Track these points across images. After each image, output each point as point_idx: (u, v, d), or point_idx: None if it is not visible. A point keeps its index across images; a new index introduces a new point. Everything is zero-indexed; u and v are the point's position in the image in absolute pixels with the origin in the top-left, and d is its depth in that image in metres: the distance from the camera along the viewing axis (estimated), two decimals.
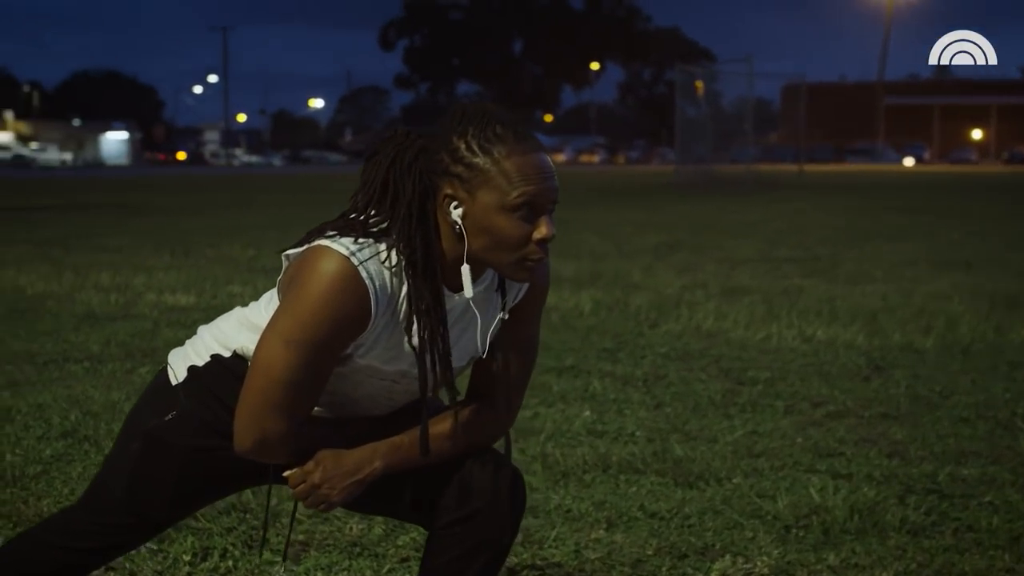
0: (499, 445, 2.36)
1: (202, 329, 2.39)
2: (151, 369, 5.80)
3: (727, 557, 3.42)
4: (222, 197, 28.31)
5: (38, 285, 9.58)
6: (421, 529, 2.64)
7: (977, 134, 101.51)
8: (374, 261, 2.11)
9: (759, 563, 3.38)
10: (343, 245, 2.10)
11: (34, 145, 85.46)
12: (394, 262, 2.12)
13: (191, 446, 2.29)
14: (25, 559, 2.42)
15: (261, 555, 3.34)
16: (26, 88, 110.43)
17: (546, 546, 3.49)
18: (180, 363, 2.34)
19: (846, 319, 7.91)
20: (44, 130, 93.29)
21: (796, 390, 5.68)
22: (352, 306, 2.08)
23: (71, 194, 29.30)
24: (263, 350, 2.13)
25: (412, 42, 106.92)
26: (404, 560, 3.38)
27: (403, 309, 2.16)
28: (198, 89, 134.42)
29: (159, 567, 3.32)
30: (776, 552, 3.46)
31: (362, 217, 2.15)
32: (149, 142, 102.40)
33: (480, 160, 2.08)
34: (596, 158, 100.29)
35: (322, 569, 3.32)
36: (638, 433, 4.82)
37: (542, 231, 2.10)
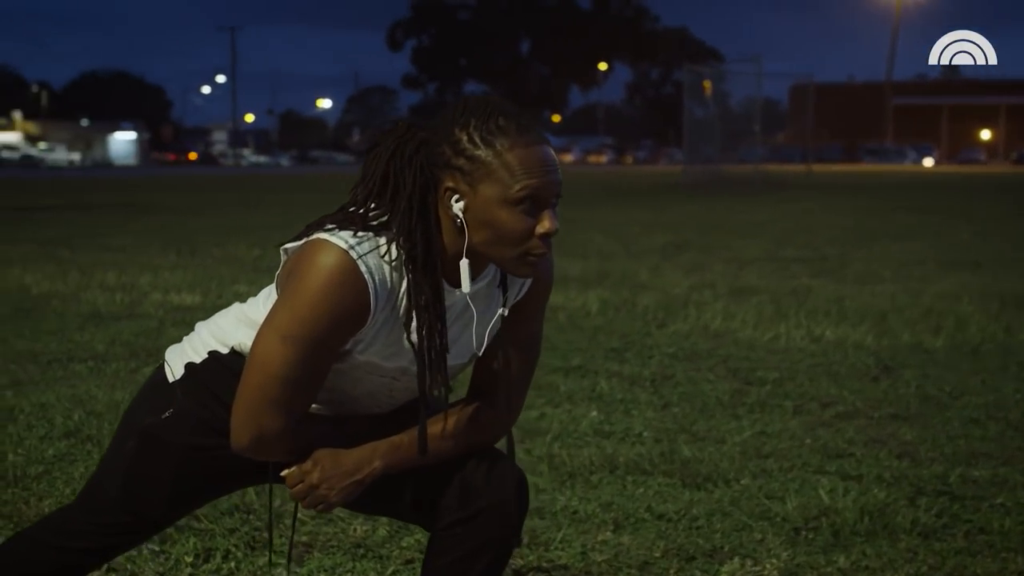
0: (501, 444, 2.31)
1: (199, 326, 2.35)
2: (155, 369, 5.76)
3: (735, 559, 3.38)
4: (229, 197, 28.32)
5: (43, 284, 9.56)
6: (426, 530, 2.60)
7: (986, 134, 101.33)
8: (374, 255, 2.06)
9: (768, 565, 3.34)
10: (342, 238, 2.05)
11: (42, 145, 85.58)
12: (394, 256, 2.08)
13: (188, 444, 2.25)
14: (21, 559, 2.38)
15: (271, 560, 3.30)
16: (34, 88, 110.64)
17: (552, 548, 3.46)
18: (177, 360, 2.30)
19: (855, 319, 7.87)
20: (52, 130, 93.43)
21: (805, 390, 5.64)
22: (351, 301, 2.04)
23: (78, 194, 29.32)
24: (260, 346, 2.09)
25: (420, 42, 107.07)
26: (408, 562, 3.34)
27: (403, 304, 2.11)
28: (206, 89, 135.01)
29: (161, 568, 3.29)
30: (785, 554, 3.42)
31: (361, 210, 2.10)
32: (157, 142, 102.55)
33: (482, 152, 2.04)
34: (604, 158, 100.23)
35: (325, 571, 3.29)
36: (645, 434, 4.79)
37: (545, 225, 2.06)
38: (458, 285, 2.13)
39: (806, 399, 5.45)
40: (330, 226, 2.08)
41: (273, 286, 2.21)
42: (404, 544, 3.45)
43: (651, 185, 37.42)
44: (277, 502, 3.65)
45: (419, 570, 3.09)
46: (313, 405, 2.22)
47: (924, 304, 8.65)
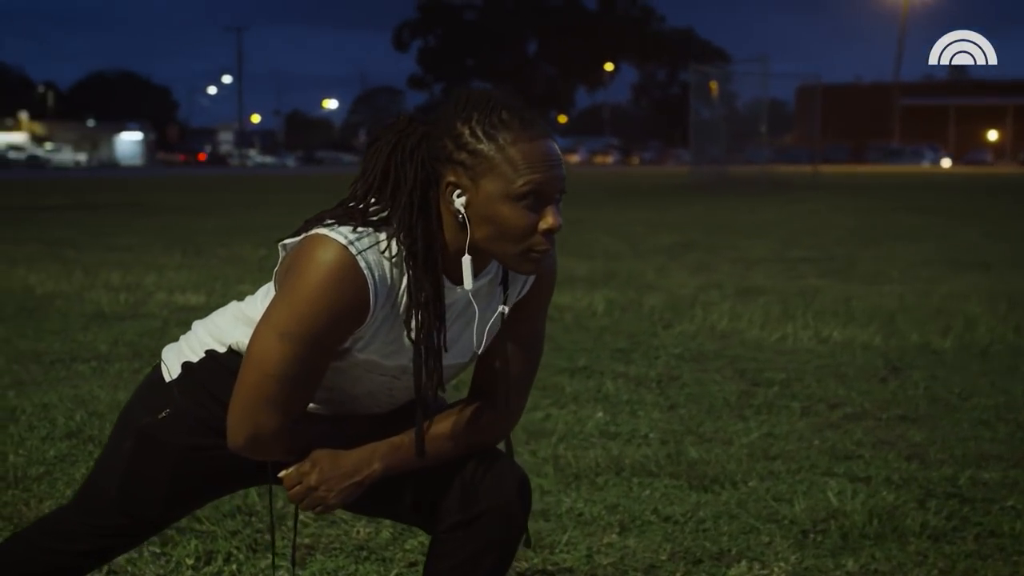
0: (500, 445, 2.27)
1: (196, 324, 2.31)
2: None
3: (743, 563, 3.34)
4: (234, 197, 28.32)
5: (47, 284, 9.54)
6: None
7: (993, 135, 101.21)
8: (373, 251, 2.02)
9: (776, 569, 3.30)
10: (341, 234, 2.01)
11: (48, 146, 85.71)
12: (394, 252, 2.04)
13: (186, 445, 2.21)
14: (17, 560, 2.35)
15: (273, 562, 3.26)
16: (41, 88, 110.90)
17: (557, 550, 3.42)
18: (174, 359, 2.27)
19: (863, 320, 7.82)
20: (58, 130, 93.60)
21: (812, 391, 5.60)
22: (350, 297, 2.00)
23: (83, 194, 29.36)
24: (257, 343, 2.05)
25: (426, 43, 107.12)
26: (412, 564, 3.30)
27: (403, 302, 2.07)
28: (212, 90, 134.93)
29: (161, 571, 3.26)
30: (793, 558, 3.38)
31: (361, 206, 2.06)
32: (163, 143, 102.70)
33: (485, 147, 1.99)
34: (610, 159, 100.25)
35: (328, 573, 3.25)
36: (652, 435, 4.75)
37: (548, 221, 2.02)
38: (459, 282, 2.09)
39: (814, 400, 5.41)
40: (329, 221, 2.04)
41: (271, 283, 2.17)
42: (407, 547, 3.41)
43: (657, 186, 37.39)
44: (279, 504, 3.62)
45: (422, 573, 3.07)
46: (312, 405, 2.18)
47: (933, 305, 8.61)
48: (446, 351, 2.11)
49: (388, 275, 2.04)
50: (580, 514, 3.74)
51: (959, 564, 3.35)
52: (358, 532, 3.51)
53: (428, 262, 2.04)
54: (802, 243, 14.52)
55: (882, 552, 3.43)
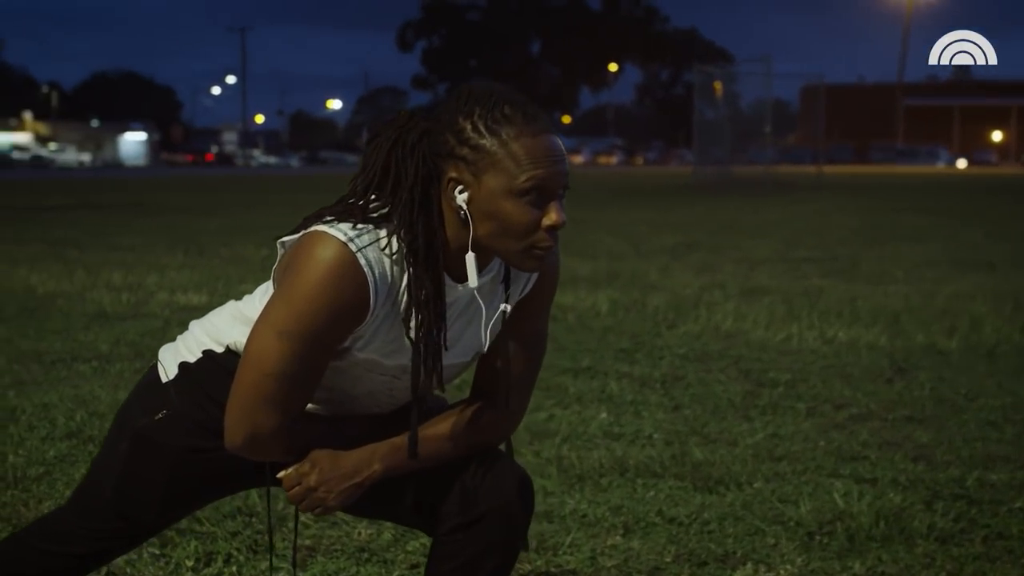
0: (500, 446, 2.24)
1: (194, 324, 2.27)
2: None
3: (748, 565, 3.31)
4: (238, 197, 28.30)
5: (49, 284, 9.52)
6: None
7: (997, 136, 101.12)
8: (373, 248, 1.99)
9: (782, 571, 3.27)
10: (341, 231, 1.98)
11: (52, 146, 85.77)
12: (395, 249, 2.00)
13: (183, 447, 2.18)
14: (11, 562, 2.31)
15: (271, 564, 3.23)
16: (45, 89, 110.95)
17: (561, 552, 3.39)
18: (171, 359, 2.23)
19: (868, 320, 7.79)
20: (62, 131, 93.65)
21: (818, 392, 5.56)
22: (350, 295, 1.97)
23: (87, 194, 29.34)
24: (255, 341, 2.01)
25: (430, 43, 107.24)
26: (414, 566, 3.27)
27: (404, 300, 2.04)
28: (216, 90, 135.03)
29: (161, 572, 3.23)
30: (799, 560, 3.34)
31: (361, 202, 2.03)
32: (167, 143, 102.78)
33: (487, 142, 1.96)
34: (614, 159, 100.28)
35: (329, 575, 3.22)
36: (656, 436, 4.71)
37: (552, 217, 1.98)
38: (460, 280, 2.06)
39: (819, 401, 5.38)
40: (329, 218, 2.01)
41: (270, 282, 2.14)
42: (409, 548, 3.38)
43: (661, 186, 37.36)
44: (280, 505, 3.59)
45: (423, 575, 3.04)
46: (311, 405, 2.14)
47: (938, 305, 8.57)
48: (446, 350, 2.08)
49: (389, 273, 2.01)
50: (584, 515, 3.71)
51: (967, 567, 3.31)
52: (359, 534, 3.48)
53: (429, 259, 2.00)
54: (806, 243, 14.48)
55: (889, 554, 3.39)
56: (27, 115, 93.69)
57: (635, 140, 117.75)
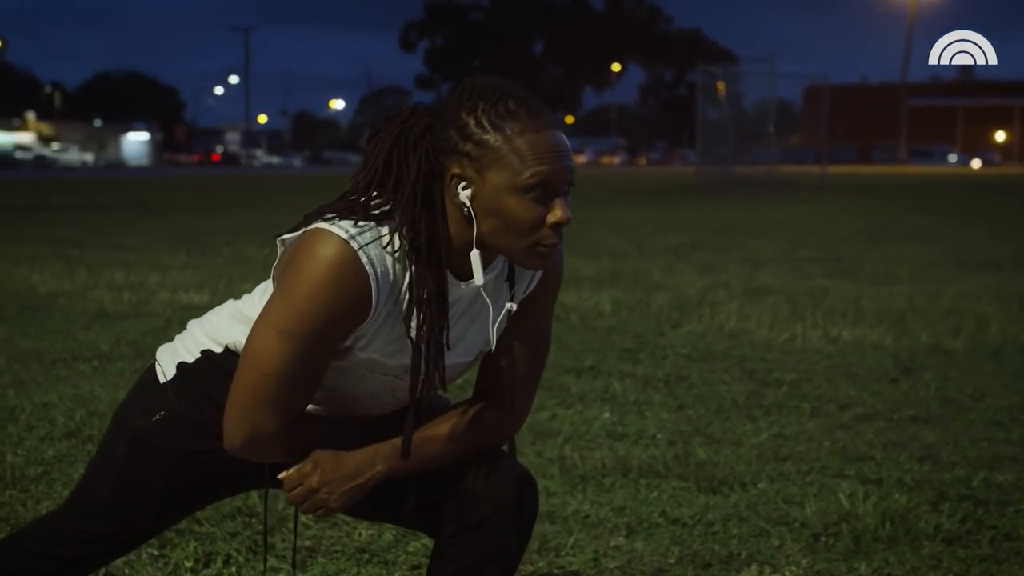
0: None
1: (192, 324, 2.24)
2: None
3: (753, 566, 3.28)
4: (240, 197, 28.29)
5: (51, 283, 9.50)
6: None
7: (1000, 136, 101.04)
8: (375, 246, 1.95)
9: (787, 573, 3.24)
10: (342, 228, 1.94)
11: (55, 146, 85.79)
12: (397, 247, 1.97)
13: (181, 448, 2.15)
14: (7, 563, 2.28)
15: (265, 565, 3.20)
16: (48, 88, 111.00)
17: (563, 553, 3.36)
18: (169, 360, 2.20)
19: (872, 320, 7.75)
20: (66, 131, 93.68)
21: (822, 392, 5.53)
22: (351, 293, 1.93)
23: (89, 193, 29.33)
24: (255, 341, 1.98)
25: (433, 43, 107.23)
26: (415, 567, 3.25)
27: (406, 298, 2.00)
28: (219, 90, 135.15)
29: (160, 573, 3.21)
30: (804, 561, 3.31)
31: (363, 199, 2.00)
32: (170, 143, 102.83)
33: (491, 137, 1.92)
34: (617, 159, 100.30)
35: None
36: (659, 436, 4.68)
37: (556, 214, 1.95)
38: (463, 278, 2.02)
39: (824, 401, 5.35)
40: (330, 215, 1.97)
41: (269, 281, 2.11)
42: (410, 549, 3.35)
43: (664, 186, 37.33)
44: (280, 506, 3.56)
45: None
46: (312, 406, 2.11)
47: (943, 305, 8.54)
48: (448, 349, 2.04)
49: (391, 270, 1.97)
50: (586, 516, 3.68)
51: (973, 568, 3.28)
52: (360, 534, 3.46)
53: (432, 257, 1.97)
54: (810, 243, 14.45)
55: (895, 556, 3.37)
56: (30, 115, 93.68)
57: (638, 140, 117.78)
